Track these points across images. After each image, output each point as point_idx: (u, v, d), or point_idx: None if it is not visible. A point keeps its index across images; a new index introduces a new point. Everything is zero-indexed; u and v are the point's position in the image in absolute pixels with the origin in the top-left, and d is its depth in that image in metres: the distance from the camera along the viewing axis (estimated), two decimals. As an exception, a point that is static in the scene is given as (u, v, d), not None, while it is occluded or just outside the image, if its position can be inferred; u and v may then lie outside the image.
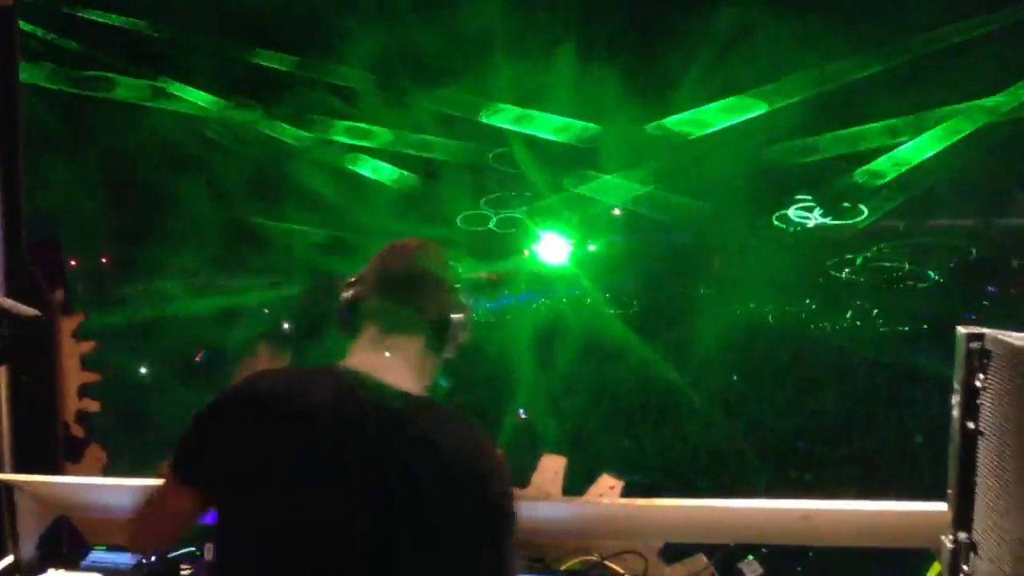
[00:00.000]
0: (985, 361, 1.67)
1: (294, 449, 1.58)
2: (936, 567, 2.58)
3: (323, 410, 1.60)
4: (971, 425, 1.71)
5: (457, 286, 1.83)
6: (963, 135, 11.46)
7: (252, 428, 1.61)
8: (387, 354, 1.71)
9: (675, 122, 12.62)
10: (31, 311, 2.22)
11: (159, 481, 1.69)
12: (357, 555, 1.54)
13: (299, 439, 1.58)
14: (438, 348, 1.77)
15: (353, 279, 1.81)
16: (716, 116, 12.30)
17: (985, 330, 1.71)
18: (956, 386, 1.74)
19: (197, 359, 11.02)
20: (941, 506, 2.23)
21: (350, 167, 13.22)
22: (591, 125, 12.83)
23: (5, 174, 3.10)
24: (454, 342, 1.79)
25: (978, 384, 1.68)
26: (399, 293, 1.75)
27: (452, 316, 1.77)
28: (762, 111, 12.05)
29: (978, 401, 1.70)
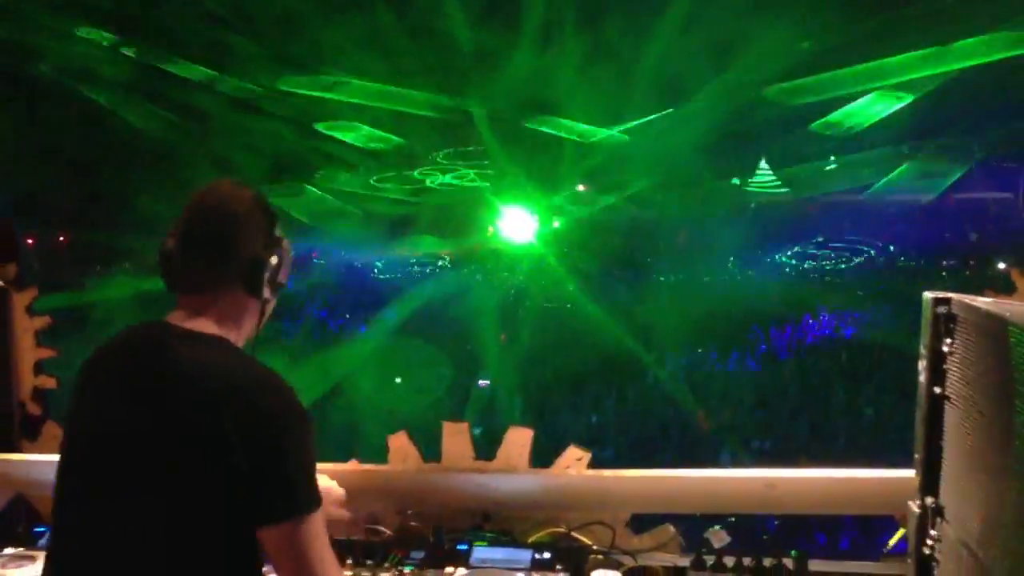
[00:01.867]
0: (951, 326, 1.68)
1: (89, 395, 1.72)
2: (900, 533, 2.62)
3: (120, 358, 1.71)
4: (937, 390, 1.72)
5: (271, 224, 1.80)
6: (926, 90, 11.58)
7: (81, 376, 1.75)
8: (202, 305, 1.73)
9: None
10: None
11: None
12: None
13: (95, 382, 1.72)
14: (254, 291, 1.75)
15: (170, 231, 1.78)
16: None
17: (951, 295, 1.72)
18: (923, 351, 1.75)
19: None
20: (905, 473, 2.26)
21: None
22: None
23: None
24: (271, 284, 1.78)
25: (945, 349, 1.69)
26: (206, 245, 1.73)
27: (264, 258, 1.75)
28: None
29: (944, 366, 1.70)
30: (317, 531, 1.59)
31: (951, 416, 1.69)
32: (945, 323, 1.69)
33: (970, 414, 1.58)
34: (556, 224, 14.68)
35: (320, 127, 14.45)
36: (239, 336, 1.76)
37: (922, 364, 1.76)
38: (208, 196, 1.76)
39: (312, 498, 1.60)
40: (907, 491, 1.99)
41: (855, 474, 2.35)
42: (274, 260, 1.77)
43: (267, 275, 1.76)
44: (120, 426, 1.62)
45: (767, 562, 2.44)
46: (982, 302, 1.61)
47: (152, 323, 1.74)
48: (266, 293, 1.77)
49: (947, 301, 1.70)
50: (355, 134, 14.56)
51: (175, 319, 1.72)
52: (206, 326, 1.70)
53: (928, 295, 1.74)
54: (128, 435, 1.61)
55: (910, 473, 2.04)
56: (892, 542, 2.59)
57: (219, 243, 1.72)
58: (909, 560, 1.81)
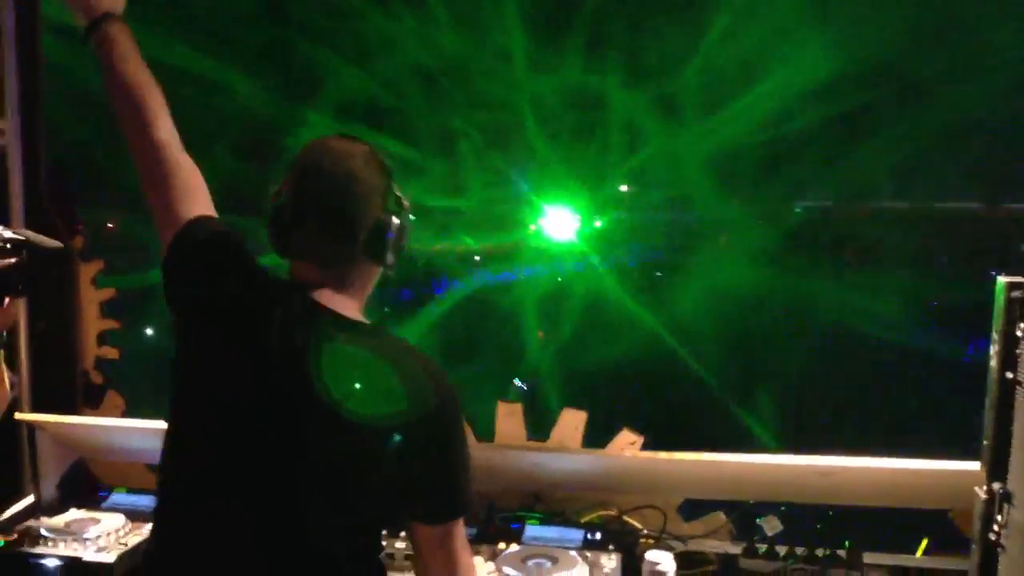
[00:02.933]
0: (1026, 310, 1.67)
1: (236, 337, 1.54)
2: (924, 544, 2.59)
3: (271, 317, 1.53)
4: (1010, 375, 1.70)
5: (390, 181, 1.63)
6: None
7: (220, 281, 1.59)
8: (322, 274, 1.58)
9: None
10: (53, 242, 2.20)
11: None
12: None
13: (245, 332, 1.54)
14: (379, 258, 1.60)
15: (277, 190, 1.63)
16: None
17: (1026, 279, 1.71)
18: (995, 335, 1.74)
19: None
20: (968, 465, 2.24)
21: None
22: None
23: (25, 123, 3.09)
24: (392, 250, 1.61)
25: (1019, 333, 1.68)
26: (326, 210, 1.57)
27: (387, 223, 1.59)
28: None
29: (1017, 351, 1.69)
30: (464, 530, 1.59)
31: (1022, 401, 1.68)
32: (1020, 307, 1.68)
33: (1043, 399, 1.57)
34: (598, 224, 14.58)
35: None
36: (361, 305, 1.64)
37: (994, 349, 1.74)
38: (322, 154, 1.58)
39: (471, 499, 1.58)
40: (966, 485, 1.97)
41: (915, 465, 2.32)
42: (396, 222, 1.61)
43: (391, 240, 1.60)
44: (287, 405, 1.50)
45: (820, 552, 2.43)
46: (1058, 286, 1.60)
47: (294, 294, 1.57)
48: (389, 259, 1.62)
49: (1022, 285, 1.69)
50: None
51: (323, 298, 1.57)
52: (345, 306, 1.58)
53: (1002, 279, 1.72)
54: (297, 419, 1.49)
55: (972, 466, 2.03)
56: (918, 554, 2.56)
57: (340, 208, 1.57)
58: (973, 546, 1.80)
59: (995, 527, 1.72)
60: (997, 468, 1.74)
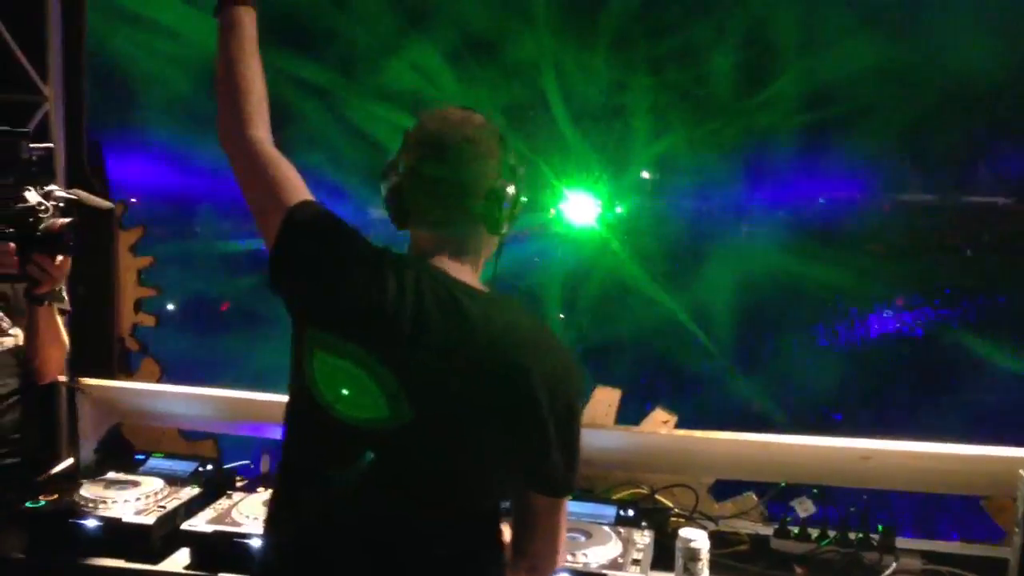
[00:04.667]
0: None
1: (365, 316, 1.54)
2: None
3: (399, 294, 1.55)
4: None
5: (506, 151, 1.65)
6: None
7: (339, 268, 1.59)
8: (439, 242, 1.62)
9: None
10: (105, 203, 2.22)
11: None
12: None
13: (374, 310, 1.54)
14: (495, 227, 1.63)
15: (393, 161, 1.66)
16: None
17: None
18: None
19: (223, 309, 10.94)
20: (1010, 451, 2.24)
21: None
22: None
23: (68, 90, 3.11)
24: (511, 217, 1.64)
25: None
26: (444, 192, 1.60)
27: (507, 188, 1.62)
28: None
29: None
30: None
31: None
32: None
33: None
34: (619, 209, 14.61)
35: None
36: (478, 273, 1.67)
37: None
38: (439, 124, 1.62)
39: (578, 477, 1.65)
40: (1005, 472, 1.96)
41: (958, 450, 2.31)
42: (512, 191, 1.63)
43: (507, 209, 1.62)
44: (431, 376, 1.52)
45: (853, 535, 2.43)
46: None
47: (422, 267, 1.59)
48: (505, 228, 1.65)
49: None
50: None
51: (440, 263, 1.60)
52: (463, 272, 1.61)
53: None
54: (439, 387, 1.52)
55: (1015, 451, 2.03)
56: None
57: (456, 175, 1.59)
58: (1016, 533, 1.80)
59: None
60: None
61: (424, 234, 1.64)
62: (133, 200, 3.55)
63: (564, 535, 1.69)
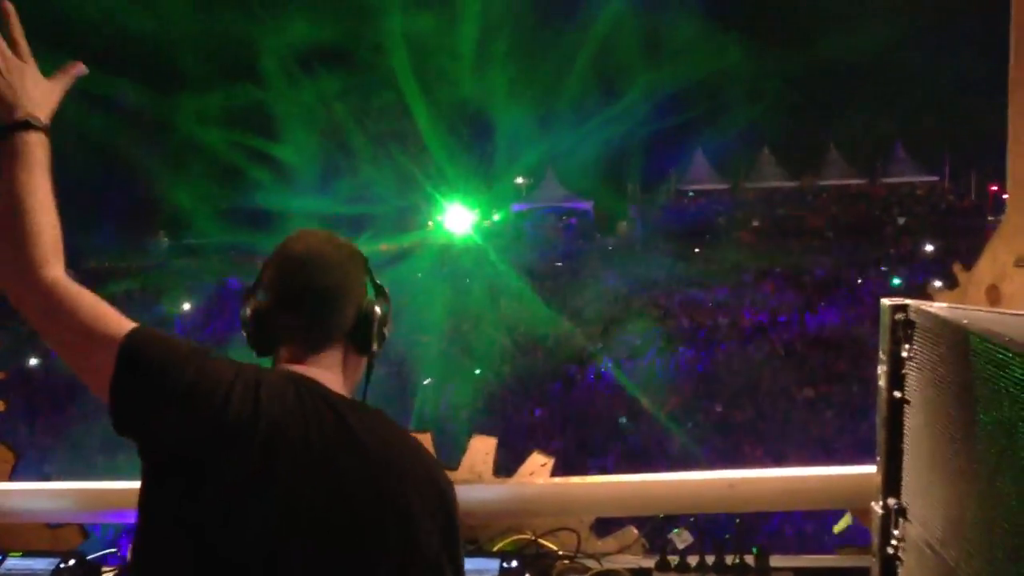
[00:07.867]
0: (909, 331, 1.73)
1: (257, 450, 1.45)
2: (845, 519, 2.70)
3: (288, 414, 1.49)
4: (897, 394, 1.77)
5: (369, 272, 1.68)
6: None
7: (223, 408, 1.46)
8: (312, 366, 1.59)
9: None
10: None
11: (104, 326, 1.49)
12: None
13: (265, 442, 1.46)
14: (362, 350, 1.65)
15: (252, 289, 1.63)
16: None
17: (908, 301, 1.77)
18: (882, 356, 1.80)
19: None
20: (858, 469, 2.34)
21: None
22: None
23: None
24: (378, 340, 1.66)
25: (904, 354, 1.74)
26: (310, 307, 1.59)
27: (371, 315, 1.64)
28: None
29: (903, 371, 1.75)
30: None
31: (911, 419, 1.74)
32: (903, 329, 1.74)
33: (930, 418, 1.63)
34: (496, 217, 14.77)
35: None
36: (351, 391, 1.65)
37: (881, 369, 1.80)
38: (304, 248, 1.62)
39: None
40: (866, 486, 2.04)
41: (814, 472, 2.41)
42: (378, 311, 1.65)
43: (375, 329, 1.65)
44: (317, 496, 1.46)
45: (729, 560, 2.49)
46: (938, 308, 1.66)
47: (302, 381, 1.55)
48: (374, 347, 1.66)
49: (904, 307, 1.75)
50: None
51: (314, 375, 1.57)
52: (336, 384, 1.60)
53: (886, 302, 1.78)
54: (327, 507, 1.46)
55: (868, 469, 2.10)
56: (838, 528, 2.67)
57: (326, 300, 1.60)
58: (873, 559, 1.87)
59: (893, 541, 1.79)
60: (891, 483, 1.81)
61: (291, 350, 1.61)
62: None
63: None
